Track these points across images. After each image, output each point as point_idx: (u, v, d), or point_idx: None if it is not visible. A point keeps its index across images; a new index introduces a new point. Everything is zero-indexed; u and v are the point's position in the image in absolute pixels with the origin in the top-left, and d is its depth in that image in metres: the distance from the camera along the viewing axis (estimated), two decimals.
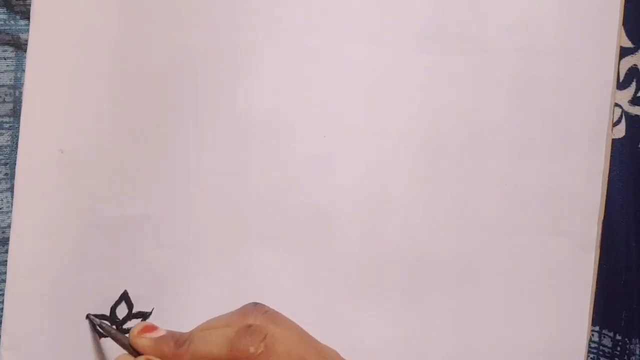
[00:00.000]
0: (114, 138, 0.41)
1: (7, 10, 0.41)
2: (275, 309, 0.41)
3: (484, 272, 0.44)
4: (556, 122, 0.45)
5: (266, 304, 0.39)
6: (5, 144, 0.41)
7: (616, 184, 0.45)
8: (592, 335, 0.46)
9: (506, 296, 0.44)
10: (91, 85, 0.41)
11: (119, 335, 0.39)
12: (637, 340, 0.45)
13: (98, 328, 0.40)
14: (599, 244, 0.45)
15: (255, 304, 0.37)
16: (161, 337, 0.37)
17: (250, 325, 0.35)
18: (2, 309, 0.40)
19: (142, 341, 0.37)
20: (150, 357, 0.36)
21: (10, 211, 0.41)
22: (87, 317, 0.41)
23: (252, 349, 0.34)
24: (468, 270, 0.44)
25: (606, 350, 0.46)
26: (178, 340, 0.36)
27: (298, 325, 0.37)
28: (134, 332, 0.37)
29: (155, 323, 0.41)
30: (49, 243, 0.40)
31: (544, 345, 0.44)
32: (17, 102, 0.41)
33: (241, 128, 0.43)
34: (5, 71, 0.41)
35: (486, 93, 0.44)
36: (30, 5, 0.40)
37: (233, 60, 0.43)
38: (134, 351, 0.37)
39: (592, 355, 0.46)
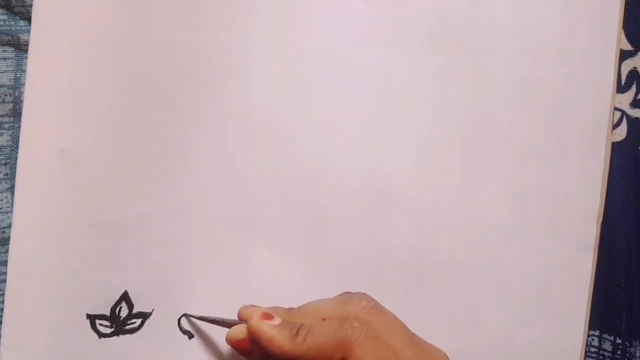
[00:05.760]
0: (115, 138, 0.41)
1: (7, 10, 0.41)
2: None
3: (482, 273, 0.44)
4: (556, 124, 0.45)
5: (268, 305, 0.40)
6: (5, 144, 0.41)
7: (617, 186, 0.45)
8: (592, 339, 0.46)
9: (504, 297, 0.44)
10: (92, 85, 0.41)
11: (227, 320, 0.40)
12: (638, 343, 0.45)
13: (206, 321, 0.41)
14: (597, 246, 0.45)
15: (360, 294, 0.38)
16: (279, 325, 0.37)
17: (349, 316, 0.37)
18: (2, 309, 0.40)
19: (264, 327, 0.37)
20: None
21: (10, 211, 0.41)
22: (185, 315, 0.42)
23: (354, 337, 0.35)
24: (467, 271, 0.44)
25: (606, 354, 0.45)
26: (292, 328, 0.36)
27: (398, 320, 0.38)
28: (256, 316, 0.37)
29: (155, 323, 0.42)
30: (49, 243, 0.40)
31: (541, 347, 0.44)
32: (17, 102, 0.41)
33: (242, 129, 0.43)
34: (5, 71, 0.41)
35: (487, 96, 0.44)
36: (30, 6, 0.40)
37: (234, 61, 0.43)
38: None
39: None
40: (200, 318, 0.41)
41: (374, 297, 0.39)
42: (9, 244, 0.40)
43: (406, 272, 0.44)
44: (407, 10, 0.44)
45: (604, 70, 0.45)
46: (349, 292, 0.39)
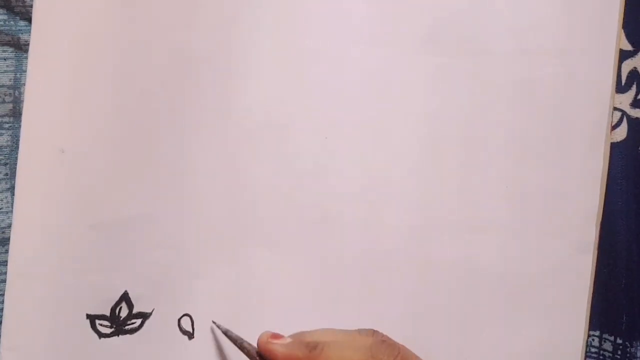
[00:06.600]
0: (115, 138, 0.41)
1: (7, 11, 0.41)
2: (275, 309, 0.41)
3: (482, 273, 0.44)
4: (556, 124, 0.45)
5: (268, 305, 0.40)
6: (5, 144, 0.41)
7: (617, 186, 0.45)
8: (593, 340, 0.46)
9: (504, 297, 0.44)
10: (92, 85, 0.41)
11: (245, 343, 0.39)
12: (638, 344, 0.45)
13: (226, 337, 0.41)
14: (596, 245, 0.45)
15: (390, 347, 0.37)
16: (292, 343, 0.37)
17: (384, 341, 0.36)
18: (2, 309, 0.40)
19: (274, 346, 0.36)
20: None
21: (10, 211, 0.41)
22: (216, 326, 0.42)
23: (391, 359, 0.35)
24: (467, 271, 0.44)
25: (607, 354, 0.45)
26: (308, 344, 0.36)
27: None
28: (263, 339, 0.37)
29: (155, 323, 0.42)
30: (49, 243, 0.40)
31: (542, 347, 0.44)
32: (17, 102, 0.41)
33: (242, 129, 0.43)
34: (5, 71, 0.41)
35: (487, 96, 0.44)
36: (30, 6, 0.40)
37: (234, 61, 0.43)
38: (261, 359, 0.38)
39: None
40: (226, 332, 0.41)
41: (374, 297, 0.39)
42: (9, 244, 0.40)
43: (406, 272, 0.44)
44: (407, 10, 0.44)
45: (604, 70, 0.45)
46: (377, 333, 0.38)
